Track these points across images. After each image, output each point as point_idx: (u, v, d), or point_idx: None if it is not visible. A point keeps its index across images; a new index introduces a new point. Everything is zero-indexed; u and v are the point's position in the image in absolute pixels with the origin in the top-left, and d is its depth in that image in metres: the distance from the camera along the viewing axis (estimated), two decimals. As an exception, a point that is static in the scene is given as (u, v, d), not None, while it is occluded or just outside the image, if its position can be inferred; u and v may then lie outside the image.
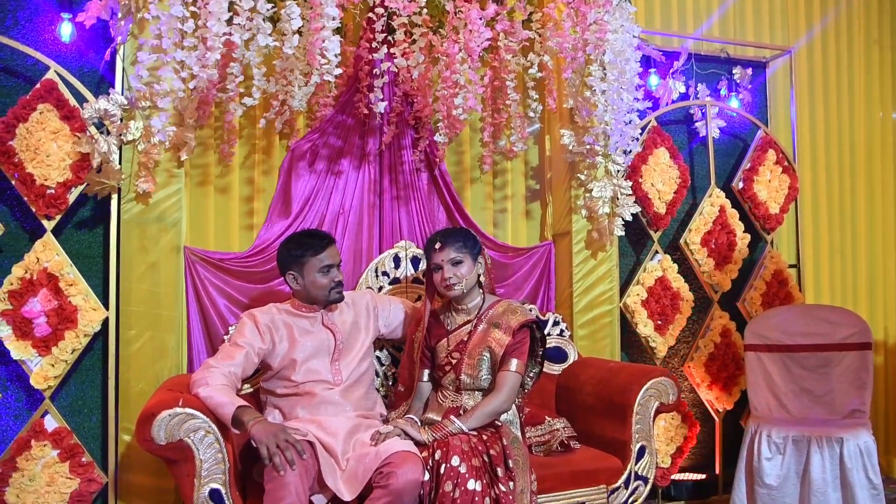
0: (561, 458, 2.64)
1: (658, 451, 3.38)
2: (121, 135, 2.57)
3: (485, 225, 3.34)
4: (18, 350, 2.49)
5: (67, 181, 2.57)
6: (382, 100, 2.74)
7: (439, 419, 2.44)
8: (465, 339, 2.52)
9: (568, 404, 2.99)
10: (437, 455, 2.19)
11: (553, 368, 3.12)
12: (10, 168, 2.52)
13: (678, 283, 3.49)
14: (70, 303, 2.54)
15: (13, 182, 2.54)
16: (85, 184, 2.58)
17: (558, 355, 3.15)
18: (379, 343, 2.88)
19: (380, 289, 2.98)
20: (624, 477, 2.61)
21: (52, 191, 2.55)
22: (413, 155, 3.16)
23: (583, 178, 3.23)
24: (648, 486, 2.66)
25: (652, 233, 3.52)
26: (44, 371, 2.51)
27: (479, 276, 2.53)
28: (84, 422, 2.71)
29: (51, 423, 2.54)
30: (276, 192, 3.03)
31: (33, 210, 2.56)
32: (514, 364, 2.42)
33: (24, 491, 2.46)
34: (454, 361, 2.51)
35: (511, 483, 2.26)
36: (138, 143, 2.60)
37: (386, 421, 2.55)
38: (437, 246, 2.51)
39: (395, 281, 3.01)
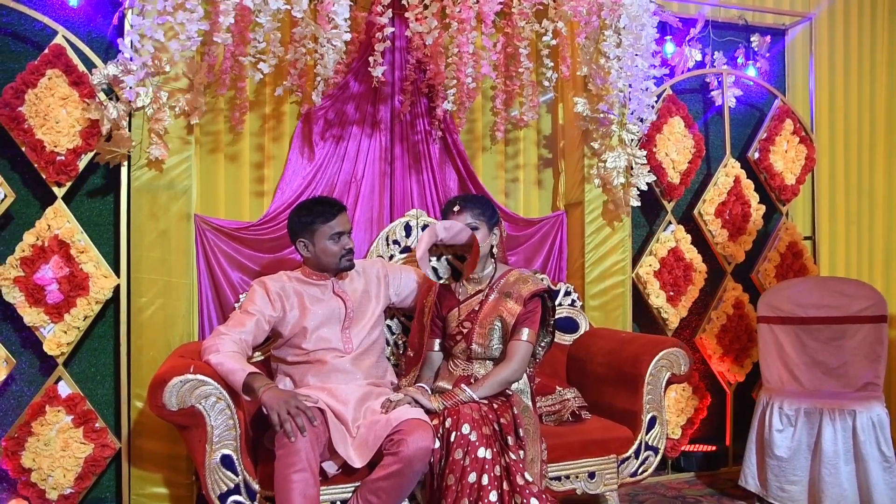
0: (571, 427, 2.64)
1: (669, 422, 3.38)
2: (130, 101, 2.55)
3: (496, 194, 3.31)
4: (31, 317, 2.50)
5: (77, 148, 2.56)
6: (383, 65, 2.69)
7: (450, 388, 2.44)
8: (477, 308, 2.51)
9: (579, 374, 2.98)
10: (448, 423, 2.19)
11: (564, 339, 3.11)
12: (20, 135, 2.50)
13: (691, 253, 3.45)
14: (81, 270, 2.54)
15: (23, 149, 2.53)
16: (95, 152, 2.57)
17: (569, 325, 3.14)
18: (390, 312, 2.87)
19: (391, 257, 2.96)
20: (634, 447, 2.61)
21: (62, 157, 2.54)
22: (426, 123, 3.13)
23: (596, 146, 3.18)
24: (658, 457, 2.66)
25: (665, 203, 3.48)
26: (56, 338, 2.52)
27: (492, 246, 2.51)
28: (97, 388, 2.74)
29: (64, 389, 2.56)
30: (287, 159, 3.01)
31: (44, 177, 2.55)
32: (525, 333, 2.41)
33: (39, 455, 2.49)
34: (465, 331, 2.50)
35: (521, 451, 2.26)
36: (147, 108, 2.58)
37: (397, 389, 2.55)
38: (456, 209, 2.50)
39: (406, 250, 2.99)
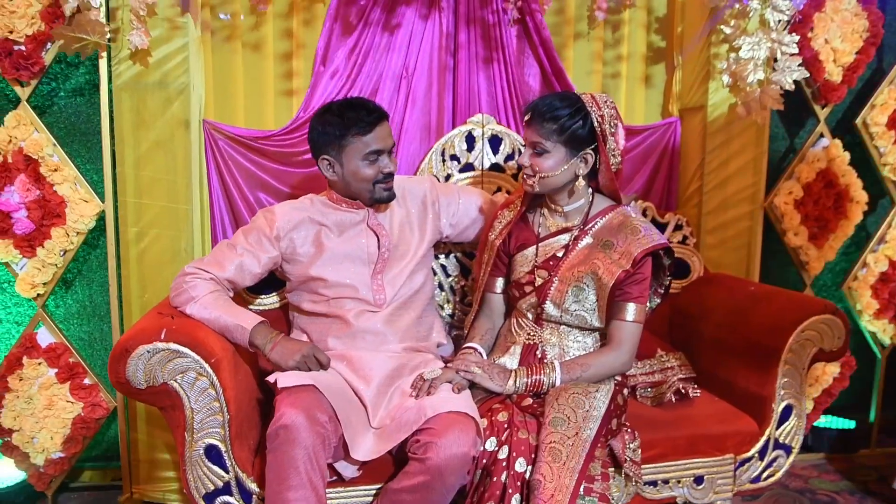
0: (675, 412, 1.98)
1: (798, 392, 2.66)
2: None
3: (591, 93, 2.54)
4: (-2, 250, 2.03)
5: (38, 34, 1.99)
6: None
7: (513, 364, 1.82)
8: (560, 254, 1.83)
9: (687, 334, 2.30)
10: (493, 445, 1.61)
11: (672, 285, 2.40)
12: (-34, 17, 1.95)
13: (848, 177, 2.60)
14: (55, 192, 2.03)
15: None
16: (56, 40, 1.98)
17: (678, 269, 2.42)
18: (445, 247, 2.25)
19: (447, 178, 2.30)
20: (759, 444, 1.95)
21: (22, 48, 1.97)
22: (500, 1, 2.36)
23: (728, 31, 2.32)
24: (791, 458, 2.00)
25: (817, 109, 2.61)
26: (30, 276, 2.05)
27: (576, 175, 1.78)
28: (86, 337, 2.28)
29: (46, 337, 2.11)
30: (318, 47, 2.34)
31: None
32: (632, 311, 1.76)
33: (21, 415, 2.09)
34: (539, 281, 1.84)
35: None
36: (127, -23, 1.95)
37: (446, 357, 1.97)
38: (527, 118, 1.79)
39: (468, 168, 2.32)
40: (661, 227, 2.42)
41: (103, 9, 1.97)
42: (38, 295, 2.09)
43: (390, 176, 1.89)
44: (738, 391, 2.04)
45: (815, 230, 2.58)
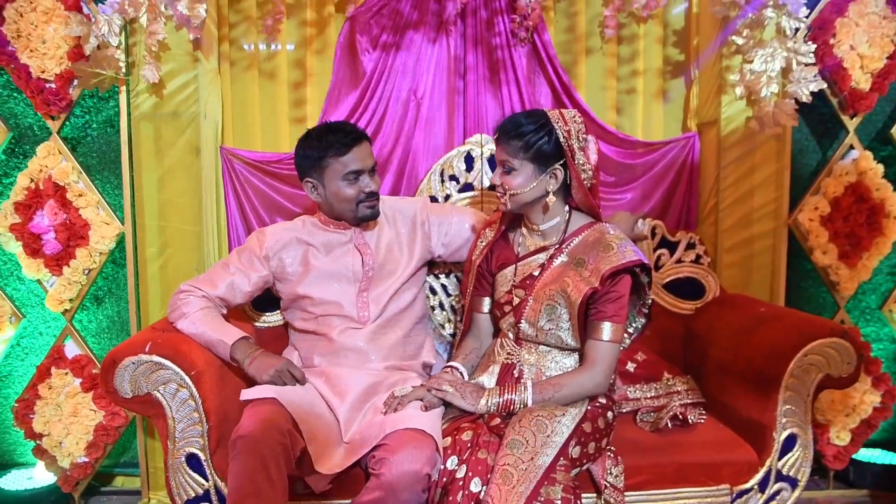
0: (669, 438, 1.91)
1: (833, 422, 2.48)
2: (123, 12, 2.09)
3: (603, 110, 2.52)
4: (31, 269, 2.23)
5: (66, 72, 2.18)
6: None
7: (491, 383, 1.82)
8: (536, 272, 1.81)
9: (698, 357, 2.21)
10: (453, 463, 1.60)
11: (683, 306, 2.33)
12: (5, 60, 2.17)
13: (883, 191, 2.43)
14: (80, 216, 2.21)
15: (11, 78, 2.20)
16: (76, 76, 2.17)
17: (692, 289, 2.34)
18: (446, 267, 2.28)
19: (446, 198, 2.33)
20: (759, 476, 1.84)
21: (52, 85, 2.17)
22: (507, 21, 2.39)
23: (740, 42, 2.24)
24: (797, 492, 1.87)
25: (845, 119, 2.46)
26: (58, 293, 2.24)
27: (546, 192, 1.77)
28: (108, 350, 2.45)
29: (72, 349, 2.29)
30: (332, 74, 2.44)
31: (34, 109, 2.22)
32: (607, 331, 1.70)
33: (50, 420, 2.27)
34: (516, 301, 1.83)
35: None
36: (141, 18, 2.11)
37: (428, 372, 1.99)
38: (495, 137, 1.79)
39: (468, 187, 2.35)
40: (672, 246, 2.35)
41: (123, 45, 2.15)
42: (66, 310, 2.27)
43: (373, 195, 1.94)
44: (739, 418, 1.94)
45: (845, 248, 2.42)
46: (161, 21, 2.10)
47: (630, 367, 2.17)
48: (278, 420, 1.57)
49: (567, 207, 1.83)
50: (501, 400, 1.71)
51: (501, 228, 1.91)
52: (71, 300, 2.25)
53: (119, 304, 2.42)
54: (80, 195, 2.20)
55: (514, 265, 1.86)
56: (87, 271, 2.24)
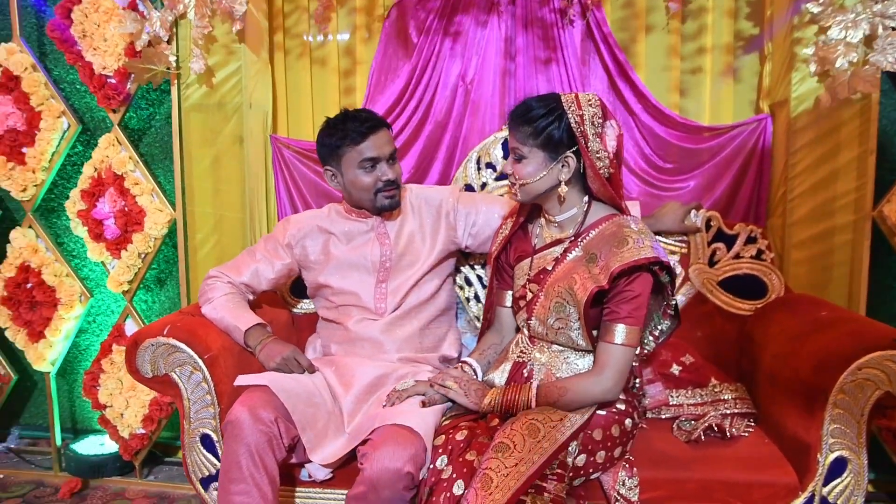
0: (702, 451, 1.75)
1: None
2: (174, 8, 2.19)
3: (665, 92, 2.34)
4: (94, 253, 2.40)
5: (122, 68, 2.31)
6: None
7: (502, 381, 1.74)
8: (550, 266, 1.71)
9: (751, 363, 2.00)
10: (442, 464, 1.54)
11: (741, 306, 2.11)
12: (73, 58, 2.33)
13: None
14: (136, 203, 2.34)
15: (79, 74, 2.36)
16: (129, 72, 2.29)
17: (752, 287, 2.12)
18: (482, 258, 2.21)
19: (482, 186, 2.26)
20: (798, 502, 1.63)
21: (112, 80, 2.31)
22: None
23: (816, 10, 1.99)
24: (846, 524, 1.64)
25: (949, 95, 2.12)
26: (118, 275, 2.39)
27: (559, 181, 1.65)
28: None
29: (132, 327, 2.45)
30: (375, 60, 2.43)
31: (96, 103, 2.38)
32: (619, 333, 1.56)
33: (113, 393, 2.44)
34: (529, 296, 1.74)
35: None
36: (189, 12, 2.19)
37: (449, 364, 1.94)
38: (508, 123, 1.70)
39: (505, 176, 2.24)
40: (729, 240, 2.13)
41: (176, 40, 2.25)
42: (125, 291, 2.42)
43: (391, 183, 1.90)
44: (785, 435, 1.74)
45: (943, 244, 2.09)
46: (207, 14, 2.17)
47: (675, 369, 2.00)
48: (266, 408, 1.58)
49: (587, 198, 1.70)
50: (505, 400, 1.63)
51: (520, 220, 1.82)
52: (129, 282, 2.40)
53: (177, 287, 2.55)
54: (136, 184, 2.34)
55: (530, 258, 1.77)
56: (143, 255, 2.38)
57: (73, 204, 2.39)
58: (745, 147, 2.26)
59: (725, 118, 2.33)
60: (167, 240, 2.45)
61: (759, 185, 2.27)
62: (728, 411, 1.88)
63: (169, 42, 2.25)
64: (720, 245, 2.14)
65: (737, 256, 2.13)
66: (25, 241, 2.44)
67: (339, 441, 1.68)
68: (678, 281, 2.14)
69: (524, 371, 1.72)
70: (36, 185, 2.43)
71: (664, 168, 2.35)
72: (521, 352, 1.76)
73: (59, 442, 2.57)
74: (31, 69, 2.36)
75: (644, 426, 1.85)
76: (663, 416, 1.93)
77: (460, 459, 1.52)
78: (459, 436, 1.58)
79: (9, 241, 2.48)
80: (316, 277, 1.98)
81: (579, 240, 1.68)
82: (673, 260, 2.15)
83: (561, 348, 1.70)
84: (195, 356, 1.77)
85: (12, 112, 2.35)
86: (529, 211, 1.82)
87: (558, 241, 1.72)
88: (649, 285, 1.59)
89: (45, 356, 2.48)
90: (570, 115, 1.59)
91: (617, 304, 1.58)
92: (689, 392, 1.97)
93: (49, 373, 2.52)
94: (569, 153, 1.61)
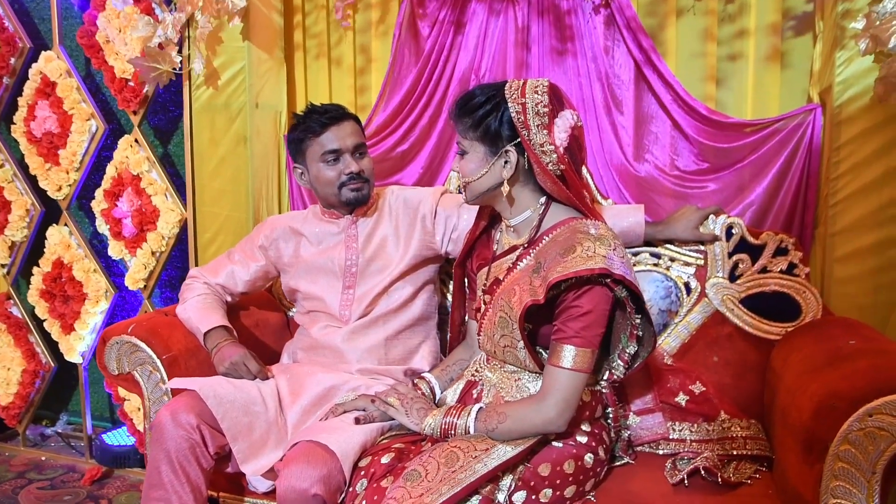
0: (691, 497, 1.50)
1: None
2: (184, 9, 2.22)
3: (697, 82, 2.07)
4: (114, 250, 2.49)
5: (139, 71, 2.36)
6: None
7: (454, 400, 1.59)
8: (503, 276, 1.54)
9: (771, 397, 1.70)
10: (362, 487, 1.41)
11: (768, 329, 1.81)
12: (98, 63, 2.43)
13: None
14: (151, 203, 2.40)
15: (104, 77, 2.46)
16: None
17: (783, 308, 1.80)
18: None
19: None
20: (785, 571, 1.34)
21: (132, 83, 2.38)
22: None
23: (865, -21, 1.67)
24: None
25: None
26: (134, 272, 2.46)
27: (502, 180, 1.46)
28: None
29: (148, 324, 2.51)
30: (391, 56, 2.35)
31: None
32: (567, 355, 1.36)
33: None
34: (483, 307, 1.57)
35: None
36: (196, 13, 2.21)
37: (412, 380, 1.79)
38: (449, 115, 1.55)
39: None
40: (755, 251, 1.83)
41: (188, 41, 2.28)
42: (143, 288, 2.49)
43: (356, 177, 1.80)
44: (787, 488, 1.45)
45: None
46: (213, 14, 2.18)
47: (682, 399, 1.74)
48: (189, 413, 1.52)
49: (543, 199, 1.51)
50: (445, 422, 1.47)
51: (481, 223, 1.65)
52: (144, 280, 2.46)
53: (176, 285, 2.60)
54: (151, 184, 2.39)
55: (489, 265, 1.60)
56: (157, 254, 2.43)
57: (98, 203, 2.49)
58: (788, 143, 1.94)
59: (771, 110, 2.03)
60: (177, 239, 2.49)
61: (805, 189, 1.93)
62: (735, 452, 1.61)
63: (180, 44, 2.29)
64: (743, 256, 1.84)
65: (763, 270, 1.82)
66: (60, 237, 2.58)
67: (277, 453, 1.60)
68: (693, 297, 1.87)
69: (474, 391, 1.55)
70: (69, 185, 2.56)
71: (697, 168, 2.08)
72: (476, 370, 1.59)
73: (90, 430, 2.69)
74: (66, 74, 2.49)
75: (631, 461, 1.62)
76: (660, 452, 1.69)
77: (374, 485, 1.38)
78: (385, 458, 1.45)
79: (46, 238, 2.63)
80: (288, 281, 1.92)
81: (532, 247, 1.49)
82: (687, 273, 1.88)
83: (514, 369, 1.51)
84: (154, 356, 1.76)
85: (49, 116, 2.49)
86: (492, 214, 1.64)
87: (514, 248, 1.54)
88: (604, 301, 1.38)
89: (76, 348, 2.61)
90: (510, 104, 1.41)
91: (564, 321, 1.38)
92: (695, 426, 1.71)
93: (80, 364, 2.64)
94: (509, 147, 1.43)
